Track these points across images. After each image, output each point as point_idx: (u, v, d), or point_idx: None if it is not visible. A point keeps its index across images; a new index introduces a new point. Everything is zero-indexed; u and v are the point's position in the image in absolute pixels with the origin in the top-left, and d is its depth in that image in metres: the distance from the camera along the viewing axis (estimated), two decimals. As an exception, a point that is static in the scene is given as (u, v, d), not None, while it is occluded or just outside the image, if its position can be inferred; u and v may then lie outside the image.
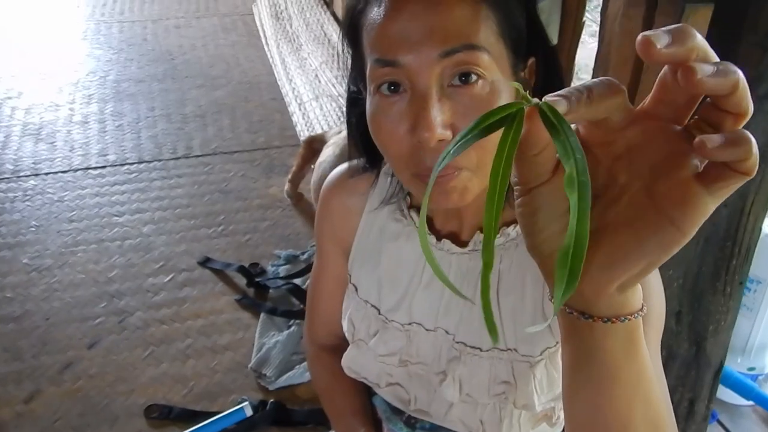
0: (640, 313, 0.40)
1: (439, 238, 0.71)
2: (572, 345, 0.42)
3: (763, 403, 1.42)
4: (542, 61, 0.63)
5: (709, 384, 1.15)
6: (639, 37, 0.29)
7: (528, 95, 0.32)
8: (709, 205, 0.33)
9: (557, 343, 0.69)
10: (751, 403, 1.51)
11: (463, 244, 0.71)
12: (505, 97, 0.57)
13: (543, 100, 0.31)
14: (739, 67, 0.30)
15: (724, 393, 1.49)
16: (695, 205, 0.33)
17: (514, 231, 0.68)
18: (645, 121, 0.34)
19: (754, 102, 0.31)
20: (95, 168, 2.52)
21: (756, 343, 1.49)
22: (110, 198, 2.34)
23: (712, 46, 0.30)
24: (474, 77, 0.55)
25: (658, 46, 0.29)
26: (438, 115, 0.54)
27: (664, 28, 0.29)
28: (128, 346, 1.73)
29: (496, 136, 0.33)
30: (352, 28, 0.61)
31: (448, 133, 0.55)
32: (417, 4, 0.55)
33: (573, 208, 0.30)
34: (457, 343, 0.72)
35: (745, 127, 0.31)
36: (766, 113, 0.88)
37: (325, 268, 0.86)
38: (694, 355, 1.10)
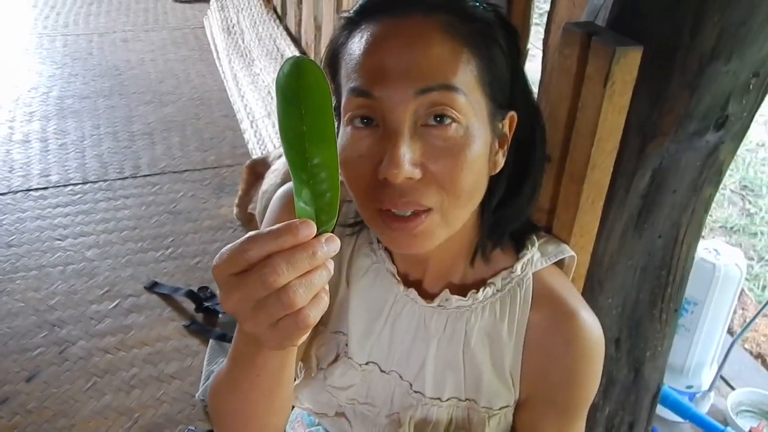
0: None
1: (406, 285, 0.70)
2: None
3: (699, 423, 1.47)
4: (523, 117, 0.63)
5: (647, 407, 1.18)
6: None
7: None
8: None
9: (515, 402, 0.70)
10: (689, 420, 1.57)
11: (427, 295, 0.70)
12: (479, 143, 0.57)
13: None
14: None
15: (664, 410, 1.54)
16: None
17: (482, 295, 0.68)
18: None
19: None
20: (36, 189, 2.43)
21: (693, 363, 1.55)
22: (52, 221, 2.25)
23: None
24: (448, 120, 0.55)
25: None
26: (407, 152, 0.54)
27: None
28: (69, 378, 1.66)
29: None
30: (332, 59, 0.61)
31: (417, 171, 0.54)
32: (397, 39, 0.55)
33: None
34: (415, 392, 0.71)
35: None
36: (696, 149, 0.91)
37: None
38: (633, 380, 1.13)
